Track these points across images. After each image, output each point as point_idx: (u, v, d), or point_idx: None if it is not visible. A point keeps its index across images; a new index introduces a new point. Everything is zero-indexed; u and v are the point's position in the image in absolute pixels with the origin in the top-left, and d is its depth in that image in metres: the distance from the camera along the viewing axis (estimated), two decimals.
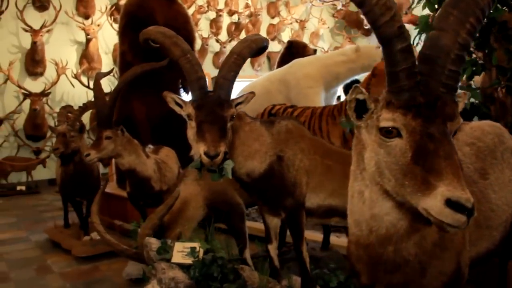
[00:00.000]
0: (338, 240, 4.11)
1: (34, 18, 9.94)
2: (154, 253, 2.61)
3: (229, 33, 12.92)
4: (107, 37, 11.13)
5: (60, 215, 6.25)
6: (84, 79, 10.12)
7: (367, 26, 13.43)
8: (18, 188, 9.19)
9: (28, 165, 9.54)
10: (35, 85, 9.98)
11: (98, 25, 10.71)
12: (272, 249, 2.82)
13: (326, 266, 3.30)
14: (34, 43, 9.70)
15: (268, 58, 13.81)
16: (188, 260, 2.53)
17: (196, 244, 2.59)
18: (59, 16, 10.06)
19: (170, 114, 6.17)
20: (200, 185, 3.23)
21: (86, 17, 10.79)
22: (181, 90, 6.52)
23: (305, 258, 2.65)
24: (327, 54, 7.43)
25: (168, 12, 6.08)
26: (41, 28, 9.70)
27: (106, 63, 11.12)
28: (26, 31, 9.61)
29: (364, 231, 1.54)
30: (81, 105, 4.62)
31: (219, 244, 2.69)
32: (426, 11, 3.80)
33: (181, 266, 2.54)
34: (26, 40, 9.92)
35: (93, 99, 7.23)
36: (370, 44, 7.19)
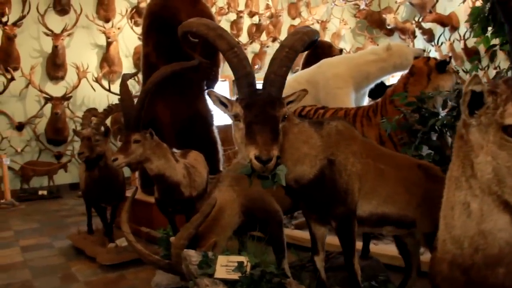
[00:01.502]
0: (376, 247, 3.89)
1: (55, 22, 9.90)
2: (195, 267, 2.41)
3: (250, 34, 12.75)
4: (127, 40, 11.05)
5: (82, 221, 6.15)
6: (105, 83, 10.06)
7: (390, 26, 13.18)
8: (40, 192, 9.13)
9: (49, 169, 9.47)
10: (56, 89, 9.92)
11: (119, 28, 10.61)
12: (319, 260, 2.60)
13: (369, 277, 3.08)
14: (55, 47, 9.65)
15: None
16: (234, 276, 2.32)
17: (243, 258, 2.38)
18: (80, 20, 9.99)
19: (195, 118, 6.17)
20: (236, 191, 3.03)
21: (107, 20, 10.71)
22: (205, 93, 6.35)
23: (356, 271, 2.43)
24: (357, 53, 7.19)
25: (193, 12, 5.91)
26: (62, 32, 9.64)
27: (127, 66, 11.03)
28: (47, 35, 9.57)
29: (467, 249, 1.31)
30: (106, 107, 4.47)
31: (267, 257, 2.47)
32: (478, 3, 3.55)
33: (226, 282, 2.34)
34: (47, 44, 9.88)
35: (115, 102, 7.13)
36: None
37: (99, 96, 10.16)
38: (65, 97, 9.67)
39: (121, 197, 4.80)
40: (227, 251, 2.74)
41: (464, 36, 11.59)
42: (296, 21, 13.76)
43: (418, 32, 12.80)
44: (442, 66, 4.20)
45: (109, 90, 9.78)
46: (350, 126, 2.54)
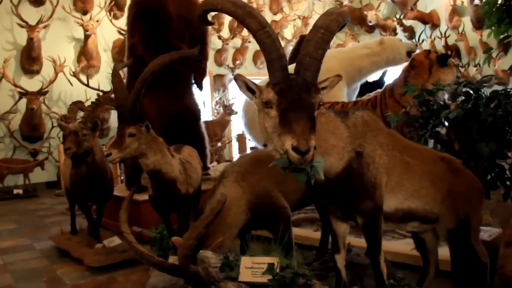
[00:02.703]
0: (386, 245, 3.73)
1: (30, 13, 9.52)
2: (216, 270, 2.21)
3: (231, 29, 12.54)
4: (106, 33, 10.72)
5: (63, 221, 5.88)
6: (82, 77, 9.71)
7: (371, 23, 13.15)
8: (15, 191, 8.72)
9: (25, 167, 9.08)
10: (31, 84, 9.55)
11: (97, 21, 10.25)
12: (340, 259, 2.43)
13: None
14: (30, 40, 9.28)
15: None
16: (262, 279, 2.14)
17: (273, 259, 2.18)
18: (56, 12, 9.61)
19: (183, 112, 5.93)
20: (242, 188, 2.85)
21: (84, 12, 10.36)
22: (194, 86, 6.14)
23: (382, 270, 2.28)
24: (349, 47, 7.10)
25: (181, 2, 5.69)
26: (37, 23, 9.26)
27: (105, 60, 10.71)
28: (22, 26, 9.18)
29: None
30: (94, 100, 4.20)
31: (300, 257, 2.28)
32: None
33: (252, 286, 2.14)
34: (21, 37, 9.50)
35: (103, 95, 6.79)
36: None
37: (77, 91, 9.79)
38: (41, 92, 9.29)
39: (109, 195, 4.55)
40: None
41: (445, 33, 11.65)
42: (278, 16, 13.61)
43: (399, 29, 12.82)
44: (443, 59, 4.11)
45: (87, 85, 9.42)
46: (375, 116, 2.38)
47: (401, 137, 2.55)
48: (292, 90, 1.87)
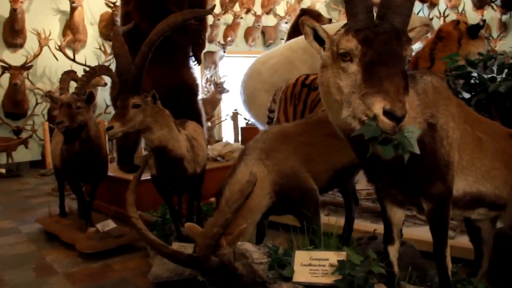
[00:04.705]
0: (408, 232, 3.42)
1: None
2: (263, 268, 1.84)
3: (223, 5, 12.06)
4: (93, 6, 10.21)
5: (50, 202, 5.49)
6: (68, 52, 9.21)
7: None
8: None
9: (8, 145, 8.58)
10: (14, 58, 9.07)
11: None
12: (393, 250, 2.06)
13: (406, 265, 2.59)
14: (13, 11, 8.79)
15: (263, 33, 13.02)
16: (324, 279, 1.77)
17: (340, 255, 1.81)
18: None
19: (180, 86, 5.50)
20: (267, 167, 2.47)
21: None
22: (192, 59, 5.73)
23: (447, 264, 1.95)
24: (333, 25, 6.71)
25: None
26: None
27: (92, 34, 10.23)
28: None
29: None
30: (88, 69, 3.79)
31: (372, 252, 1.90)
32: None
33: (309, 286, 1.77)
34: (4, 8, 8.96)
35: (100, 64, 6.30)
36: None
37: (62, 66, 9.18)
38: (25, 67, 8.82)
39: (103, 175, 4.15)
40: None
41: (444, 13, 11.34)
42: None
43: None
44: (474, 31, 3.78)
45: (73, 60, 8.91)
46: (444, 82, 2.03)
47: (470, 108, 2.20)
48: (380, 39, 1.50)
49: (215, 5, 4.51)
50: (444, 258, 1.94)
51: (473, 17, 10.83)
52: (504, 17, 10.09)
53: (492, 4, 10.05)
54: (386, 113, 1.41)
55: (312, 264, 1.86)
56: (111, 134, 2.78)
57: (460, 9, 11.08)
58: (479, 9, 10.51)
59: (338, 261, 1.82)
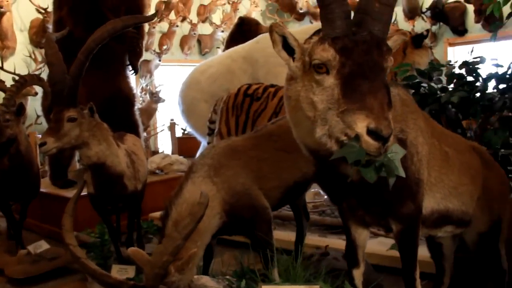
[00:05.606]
0: None
1: None
2: None
3: (158, 12, 11.80)
4: (22, 12, 9.66)
5: None
6: None
7: (302, 10, 12.97)
8: None
9: None
10: None
11: None
12: (358, 274, 1.97)
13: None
14: None
15: (199, 42, 12.88)
16: None
17: None
18: None
19: (116, 97, 5.28)
20: (216, 184, 2.34)
21: None
22: (128, 68, 5.53)
23: (417, 286, 1.87)
24: (301, 28, 6.74)
25: None
26: None
27: (21, 41, 9.64)
28: None
29: None
30: (18, 79, 3.52)
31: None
32: None
33: None
34: None
35: (30, 73, 5.93)
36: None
37: None
38: None
39: (35, 193, 3.90)
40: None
41: None
42: (207, 1, 13.03)
43: None
44: (418, 40, 3.87)
45: (1, 68, 8.37)
46: (410, 94, 1.97)
47: (435, 121, 2.15)
48: (360, 48, 1.38)
49: (157, 11, 4.36)
50: (414, 281, 1.86)
51: (404, 27, 11.16)
52: (434, 28, 10.50)
53: (423, 15, 10.43)
54: (370, 132, 1.29)
55: None
56: (44, 150, 2.58)
57: (392, 19, 11.45)
58: (410, 19, 10.86)
59: None
